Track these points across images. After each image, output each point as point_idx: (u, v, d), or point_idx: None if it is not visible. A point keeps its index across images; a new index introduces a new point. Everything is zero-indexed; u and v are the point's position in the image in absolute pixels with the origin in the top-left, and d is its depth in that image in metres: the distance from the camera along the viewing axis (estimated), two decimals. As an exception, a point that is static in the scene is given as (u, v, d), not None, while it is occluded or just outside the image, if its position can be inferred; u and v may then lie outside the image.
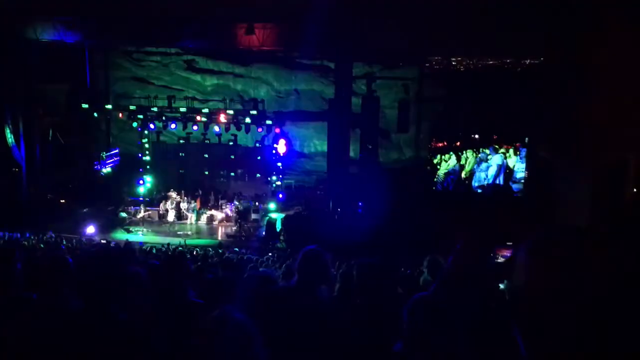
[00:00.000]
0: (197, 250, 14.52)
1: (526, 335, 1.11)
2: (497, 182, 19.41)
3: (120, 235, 19.26)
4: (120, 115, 20.86)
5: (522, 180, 19.11)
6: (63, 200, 20.74)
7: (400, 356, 1.83)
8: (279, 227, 19.37)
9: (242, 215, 20.92)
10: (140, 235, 19.61)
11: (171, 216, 21.39)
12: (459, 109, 20.66)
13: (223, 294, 3.65)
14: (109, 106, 20.89)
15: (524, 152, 18.95)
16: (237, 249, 16.36)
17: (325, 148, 20.80)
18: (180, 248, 15.69)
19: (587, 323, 1.04)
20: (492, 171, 19.43)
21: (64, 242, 15.17)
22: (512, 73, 20.36)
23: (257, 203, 21.55)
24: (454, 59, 20.71)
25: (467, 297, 1.53)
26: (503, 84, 19.88)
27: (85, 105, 20.67)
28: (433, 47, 19.27)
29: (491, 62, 20.67)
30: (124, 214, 21.02)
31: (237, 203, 21.51)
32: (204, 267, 9.04)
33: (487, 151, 19.21)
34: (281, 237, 18.71)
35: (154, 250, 14.30)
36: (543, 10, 16.12)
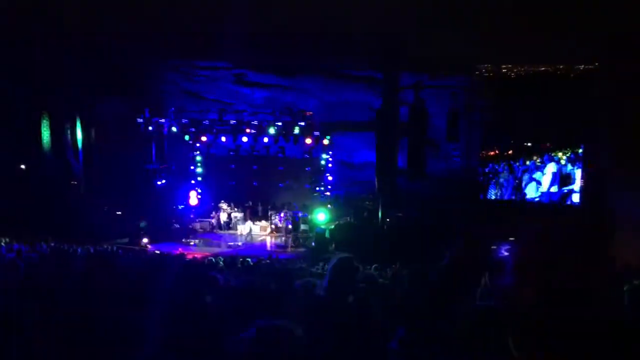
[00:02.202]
0: (247, 261, 14.63)
1: (517, 332, 1.15)
2: (552, 190, 18.93)
3: (174, 246, 19.63)
4: (173, 128, 21.41)
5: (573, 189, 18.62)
6: (119, 213, 21.32)
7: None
8: (328, 237, 19.31)
9: (291, 226, 21.17)
10: (192, 246, 19.98)
11: (222, 227, 21.86)
12: (510, 117, 20.17)
13: (271, 304, 3.66)
14: (162, 120, 21.46)
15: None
16: (286, 260, 16.41)
17: (373, 158, 20.70)
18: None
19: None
20: (546, 179, 18.95)
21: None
22: (566, 79, 19.67)
23: (306, 213, 21.63)
24: (504, 66, 20.20)
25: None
26: (556, 90, 19.29)
27: (140, 120, 21.42)
28: (485, 55, 19.17)
29: (543, 69, 20.05)
30: (177, 225, 21.54)
31: (285, 213, 21.74)
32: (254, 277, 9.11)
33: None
34: (330, 247, 18.69)
35: (206, 262, 14.48)
36: (600, 15, 15.68)
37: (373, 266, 11.32)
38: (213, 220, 22.17)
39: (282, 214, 21.80)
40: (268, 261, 14.51)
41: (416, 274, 3.61)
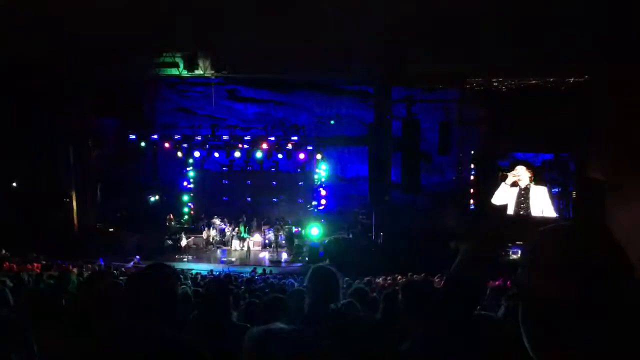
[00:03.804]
0: (242, 276, 14.51)
1: (532, 333, 1.12)
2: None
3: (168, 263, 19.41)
4: (166, 144, 21.38)
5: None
6: (112, 230, 21.17)
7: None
8: (322, 252, 19.30)
9: (285, 241, 21.13)
10: (185, 262, 19.80)
11: (215, 243, 21.72)
12: (502, 130, 20.14)
13: (265, 316, 3.68)
14: (155, 136, 21.45)
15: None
16: (281, 274, 16.30)
17: (366, 172, 20.61)
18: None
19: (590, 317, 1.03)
20: (543, 197, 19.14)
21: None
22: (556, 92, 19.71)
23: (300, 228, 21.63)
24: (495, 80, 20.26)
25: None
26: (547, 103, 19.22)
27: (132, 136, 21.33)
28: (474, 69, 19.20)
29: (533, 82, 20.07)
30: (169, 242, 21.40)
31: (279, 228, 21.68)
32: (249, 292, 9.06)
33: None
34: (324, 262, 18.59)
35: (199, 277, 14.34)
36: (589, 29, 15.76)
37: (365, 279, 11.62)
38: (206, 236, 22.02)
39: (275, 229, 21.74)
40: (263, 276, 14.49)
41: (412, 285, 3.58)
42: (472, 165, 20.05)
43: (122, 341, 2.23)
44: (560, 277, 1.04)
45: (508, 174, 19.33)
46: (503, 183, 19.37)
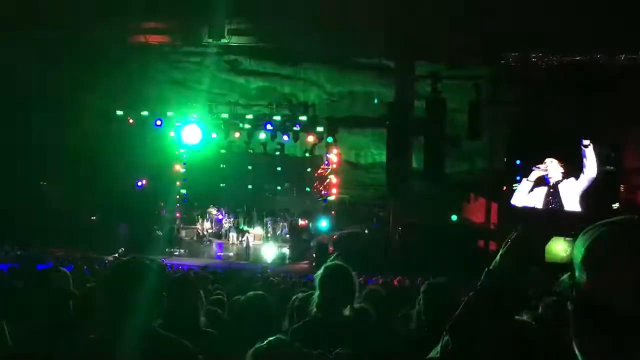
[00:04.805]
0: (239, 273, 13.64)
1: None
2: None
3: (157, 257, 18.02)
4: (157, 122, 20.43)
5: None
6: (94, 218, 20.76)
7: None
8: (331, 248, 18.35)
9: (290, 235, 20.67)
10: (177, 256, 19.41)
11: (211, 235, 21.31)
12: (539, 113, 19.14)
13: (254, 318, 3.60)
14: (145, 112, 20.53)
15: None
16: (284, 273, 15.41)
17: (383, 158, 19.98)
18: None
19: None
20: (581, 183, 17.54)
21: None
22: (604, 71, 18.38)
23: (307, 221, 21.20)
24: (533, 55, 19.13)
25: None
26: (593, 84, 18.08)
27: (119, 112, 20.53)
28: (509, 42, 18.29)
29: (578, 58, 18.53)
30: (159, 233, 20.60)
31: (282, 220, 21.35)
32: (244, 291, 7.47)
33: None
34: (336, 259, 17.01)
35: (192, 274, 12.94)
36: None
37: (380, 279, 11.51)
38: (200, 228, 21.41)
39: (277, 221, 21.38)
40: (264, 275, 13.61)
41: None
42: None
43: (103, 340, 2.36)
44: (619, 277, 0.99)
45: (533, 167, 17.71)
46: (525, 179, 17.86)
